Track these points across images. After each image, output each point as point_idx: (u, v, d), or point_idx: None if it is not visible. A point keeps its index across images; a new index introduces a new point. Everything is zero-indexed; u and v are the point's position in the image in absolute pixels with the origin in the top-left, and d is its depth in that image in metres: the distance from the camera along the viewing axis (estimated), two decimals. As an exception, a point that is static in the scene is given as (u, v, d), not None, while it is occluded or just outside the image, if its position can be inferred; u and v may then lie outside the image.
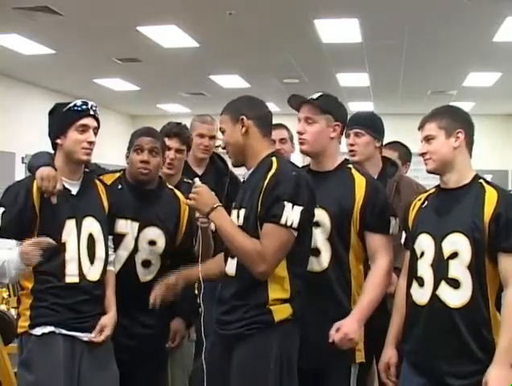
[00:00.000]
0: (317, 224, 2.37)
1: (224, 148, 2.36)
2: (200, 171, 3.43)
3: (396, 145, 3.75)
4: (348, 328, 2.28)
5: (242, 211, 2.23)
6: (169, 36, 7.61)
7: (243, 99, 2.37)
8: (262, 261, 2.12)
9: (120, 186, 2.66)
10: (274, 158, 2.26)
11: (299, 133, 2.48)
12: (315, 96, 2.48)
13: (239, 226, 2.22)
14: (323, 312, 2.36)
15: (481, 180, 2.22)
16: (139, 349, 2.60)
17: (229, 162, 3.40)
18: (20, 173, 10.80)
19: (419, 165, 2.28)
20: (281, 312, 2.19)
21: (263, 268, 2.13)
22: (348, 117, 3.03)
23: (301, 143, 2.48)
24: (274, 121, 3.81)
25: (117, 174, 2.73)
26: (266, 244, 2.12)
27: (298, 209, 2.13)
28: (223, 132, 2.32)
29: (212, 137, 3.43)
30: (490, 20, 6.73)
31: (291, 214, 2.11)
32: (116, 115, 13.94)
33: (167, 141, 2.89)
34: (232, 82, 10.44)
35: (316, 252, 2.37)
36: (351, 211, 2.38)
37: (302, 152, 2.51)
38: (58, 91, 11.69)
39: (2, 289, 4.72)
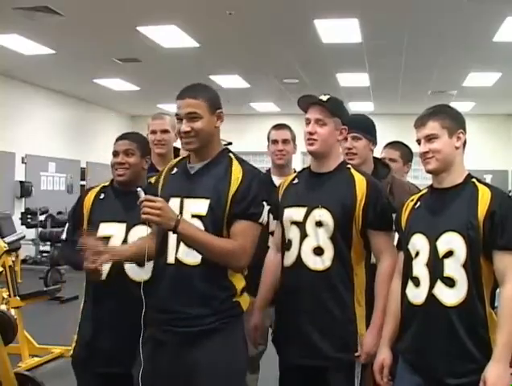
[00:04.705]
0: (320, 224, 2.40)
1: (186, 132, 2.23)
2: None
3: (398, 144, 3.76)
4: (368, 347, 2.35)
5: (205, 202, 2.19)
6: (169, 36, 7.63)
7: (214, 92, 2.35)
8: (244, 256, 2.19)
9: (102, 196, 2.69)
10: (231, 155, 2.32)
11: (310, 133, 2.48)
12: (324, 97, 2.49)
13: (202, 216, 2.19)
14: (326, 310, 2.38)
15: (474, 179, 2.22)
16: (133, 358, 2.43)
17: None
18: (20, 173, 10.83)
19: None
20: (245, 302, 2.28)
21: (244, 262, 2.21)
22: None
23: (311, 143, 2.49)
24: (274, 121, 3.85)
25: (100, 186, 2.75)
26: (245, 239, 2.18)
27: (267, 208, 2.25)
28: (196, 117, 2.21)
29: (165, 131, 3.42)
30: (490, 20, 6.75)
31: (265, 212, 2.24)
32: (116, 115, 13.96)
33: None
34: (232, 82, 10.46)
35: (320, 251, 2.39)
36: (353, 211, 2.40)
37: (310, 152, 2.52)
38: (58, 91, 11.71)
39: (2, 289, 4.72)
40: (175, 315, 2.19)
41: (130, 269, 2.53)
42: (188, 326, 2.18)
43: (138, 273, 2.52)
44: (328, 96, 2.49)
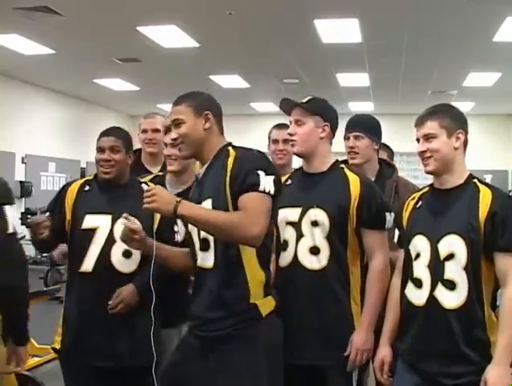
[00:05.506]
0: (316, 224, 2.41)
1: (174, 139, 2.27)
2: (155, 170, 3.37)
3: (382, 145, 3.82)
4: (358, 344, 2.34)
5: (208, 202, 2.20)
6: (169, 36, 7.63)
7: (203, 95, 2.35)
8: (253, 224, 2.08)
9: (87, 188, 2.68)
10: (230, 148, 2.29)
11: (290, 134, 2.53)
12: (304, 100, 2.53)
13: None
14: (322, 309, 2.39)
15: (475, 180, 2.21)
16: (124, 353, 2.51)
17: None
18: (20, 173, 10.83)
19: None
20: (266, 306, 2.21)
21: (256, 230, 2.09)
22: (348, 118, 3.06)
23: (292, 145, 2.54)
24: (274, 121, 3.85)
25: (84, 179, 2.76)
26: (251, 208, 2.10)
27: (270, 178, 2.14)
28: (179, 123, 2.24)
29: (156, 130, 3.43)
30: (490, 20, 6.75)
31: (267, 181, 2.14)
32: (115, 115, 13.95)
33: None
34: (232, 82, 10.46)
35: (316, 251, 2.40)
36: (348, 210, 2.41)
37: (294, 153, 2.57)
38: (58, 91, 11.71)
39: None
40: (196, 321, 2.25)
41: (117, 262, 2.55)
42: (205, 331, 2.20)
43: (126, 265, 2.55)
44: (310, 98, 2.52)
